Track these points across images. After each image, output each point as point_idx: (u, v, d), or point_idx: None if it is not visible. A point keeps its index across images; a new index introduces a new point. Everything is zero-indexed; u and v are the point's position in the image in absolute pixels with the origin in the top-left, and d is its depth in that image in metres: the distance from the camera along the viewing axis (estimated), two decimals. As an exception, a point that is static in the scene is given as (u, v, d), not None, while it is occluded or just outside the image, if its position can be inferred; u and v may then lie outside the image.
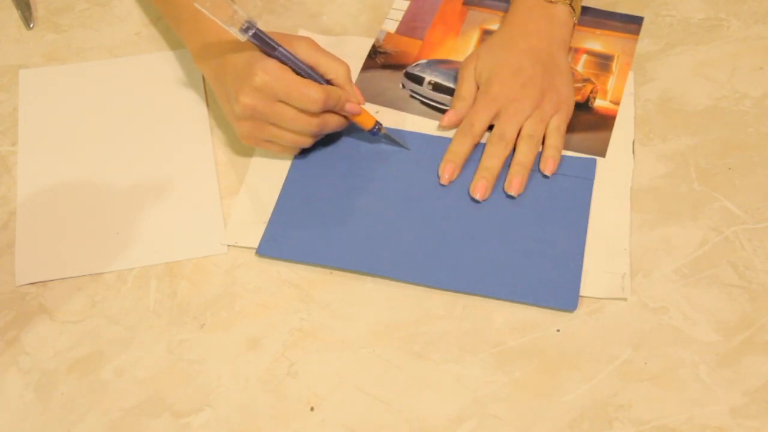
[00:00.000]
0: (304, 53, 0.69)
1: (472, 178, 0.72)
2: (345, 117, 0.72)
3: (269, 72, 0.66)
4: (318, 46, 0.71)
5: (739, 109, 0.77)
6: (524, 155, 0.72)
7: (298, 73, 0.68)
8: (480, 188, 0.71)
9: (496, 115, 0.74)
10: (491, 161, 0.72)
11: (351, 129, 0.75)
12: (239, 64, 0.68)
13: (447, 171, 0.72)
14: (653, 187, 0.72)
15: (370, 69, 0.81)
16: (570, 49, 0.81)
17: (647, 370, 0.63)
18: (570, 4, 0.78)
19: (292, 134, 0.70)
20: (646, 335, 0.64)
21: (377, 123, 0.73)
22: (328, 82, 0.70)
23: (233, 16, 0.65)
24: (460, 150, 0.73)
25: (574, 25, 0.80)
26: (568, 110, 0.75)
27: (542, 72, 0.75)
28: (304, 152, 0.75)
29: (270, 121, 0.69)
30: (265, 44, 0.67)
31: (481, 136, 0.74)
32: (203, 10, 0.64)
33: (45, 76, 0.82)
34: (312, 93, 0.67)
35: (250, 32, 0.66)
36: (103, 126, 0.78)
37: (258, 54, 0.68)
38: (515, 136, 0.73)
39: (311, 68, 0.69)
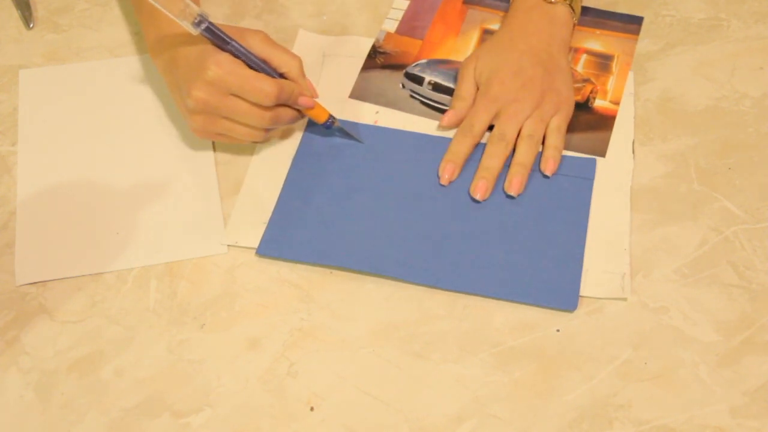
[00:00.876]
0: (257, 47, 0.69)
1: (472, 178, 0.72)
2: (298, 111, 0.72)
3: (222, 66, 0.66)
4: (271, 40, 0.71)
5: (739, 109, 0.77)
6: (524, 155, 0.72)
7: (251, 67, 0.68)
8: (480, 188, 0.71)
9: (496, 116, 0.74)
10: (491, 161, 0.72)
11: (351, 129, 0.75)
12: (191, 57, 0.68)
13: (447, 171, 0.72)
14: (653, 187, 0.72)
15: (370, 69, 0.81)
16: (570, 49, 0.81)
17: (647, 370, 0.63)
18: (570, 5, 0.78)
19: (245, 128, 0.70)
20: (646, 335, 0.64)
21: (330, 116, 0.74)
22: (282, 75, 0.71)
23: (185, 9, 0.65)
24: (460, 150, 0.73)
25: (574, 25, 0.80)
26: (568, 110, 0.75)
27: (542, 72, 0.75)
28: (304, 152, 0.75)
29: (222, 114, 0.69)
30: (218, 38, 0.67)
31: (481, 136, 0.74)
32: (155, 3, 0.64)
33: (45, 76, 0.82)
34: (265, 86, 0.67)
35: (203, 26, 0.66)
36: (103, 126, 0.78)
37: (211, 48, 0.68)
38: (515, 136, 0.73)
39: (264, 62, 0.69)
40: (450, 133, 0.76)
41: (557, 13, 0.78)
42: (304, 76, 0.72)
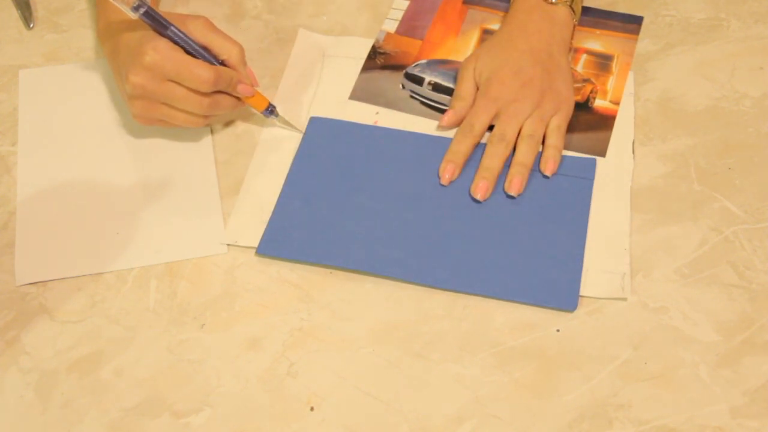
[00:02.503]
0: (197, 33, 0.70)
1: (473, 178, 0.72)
2: (237, 98, 0.73)
3: (159, 51, 0.67)
4: (213, 26, 0.71)
5: (739, 109, 0.77)
6: (524, 155, 0.72)
7: (190, 54, 0.69)
8: (481, 188, 0.71)
9: (496, 116, 0.74)
10: (492, 161, 0.72)
11: (351, 130, 0.75)
12: (132, 43, 0.69)
13: (447, 171, 0.72)
14: (653, 187, 0.72)
15: (370, 69, 0.81)
16: (570, 49, 0.81)
17: (647, 370, 0.63)
18: (570, 6, 0.78)
19: (184, 114, 0.71)
20: (646, 335, 0.64)
21: (270, 105, 0.75)
22: (222, 63, 0.71)
23: None
24: (460, 150, 0.73)
25: (575, 26, 0.80)
26: (568, 110, 0.75)
27: (542, 72, 0.75)
28: (304, 152, 0.75)
29: (161, 100, 0.69)
30: (157, 23, 0.68)
31: (482, 136, 0.74)
32: None
33: (45, 76, 0.82)
34: (202, 73, 0.68)
35: (141, 10, 0.67)
36: (103, 126, 0.78)
37: (150, 33, 0.68)
38: (515, 136, 0.73)
39: (204, 48, 0.70)
40: (450, 134, 0.76)
41: (557, 13, 0.78)
42: (244, 63, 0.72)
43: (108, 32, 0.73)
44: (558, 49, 0.77)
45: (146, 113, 0.71)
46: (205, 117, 0.72)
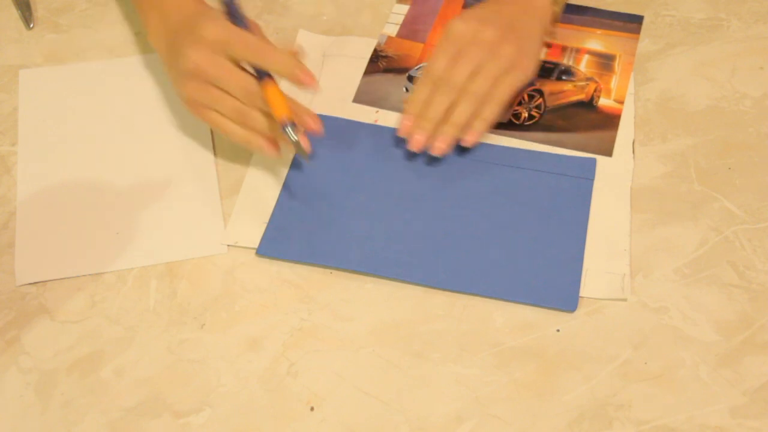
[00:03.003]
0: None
1: (472, 176, 0.72)
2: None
3: (221, 25, 0.67)
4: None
5: (739, 109, 0.77)
6: (459, 115, 0.71)
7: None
8: (416, 142, 0.71)
9: (453, 59, 0.72)
10: (432, 109, 0.71)
11: (351, 130, 0.75)
12: (191, 23, 0.68)
13: (407, 122, 0.72)
14: (653, 187, 0.72)
15: (372, 73, 0.81)
16: (571, 49, 0.81)
17: (647, 370, 0.63)
18: None
19: (234, 102, 0.67)
20: (646, 335, 0.64)
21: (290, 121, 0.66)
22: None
23: None
24: (420, 100, 0.72)
25: (555, 14, 0.78)
26: (522, 74, 0.72)
27: (507, 27, 0.72)
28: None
29: (213, 81, 0.66)
30: (236, 18, 0.68)
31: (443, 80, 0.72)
32: None
33: (45, 76, 0.83)
34: (279, 54, 0.66)
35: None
36: (103, 126, 0.78)
37: (215, 12, 0.69)
38: (462, 82, 0.71)
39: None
40: None
41: (536, 1, 0.77)
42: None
43: (163, 28, 0.72)
44: (530, 21, 0.75)
45: (197, 94, 0.68)
46: (252, 120, 0.68)
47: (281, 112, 0.65)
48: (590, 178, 0.73)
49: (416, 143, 0.72)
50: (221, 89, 0.67)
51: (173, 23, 0.71)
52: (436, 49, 0.73)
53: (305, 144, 0.67)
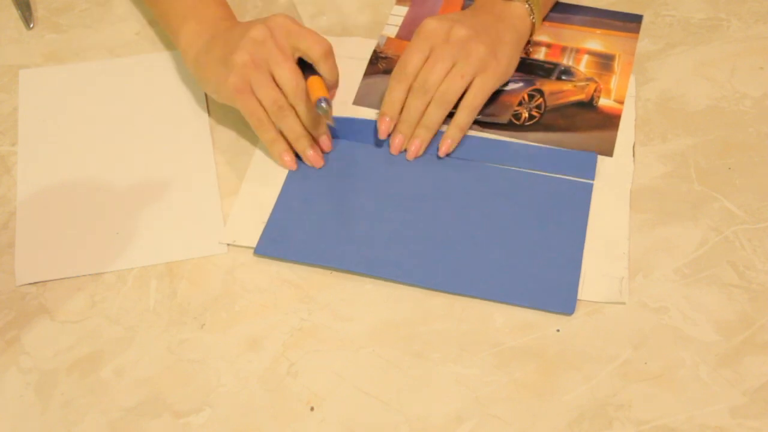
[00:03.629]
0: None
1: (470, 173, 0.72)
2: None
3: (282, 18, 0.71)
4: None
5: (739, 109, 0.77)
6: (430, 118, 0.72)
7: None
8: (396, 145, 0.73)
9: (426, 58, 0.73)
10: (409, 114, 0.73)
11: (351, 130, 0.75)
12: (235, 32, 0.72)
13: (383, 124, 0.73)
14: (653, 187, 0.72)
15: (372, 75, 0.81)
16: (571, 49, 0.81)
17: (647, 370, 0.63)
18: (528, 3, 0.77)
19: (275, 91, 0.70)
20: (646, 335, 0.64)
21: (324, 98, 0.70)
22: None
23: None
24: (395, 99, 0.73)
25: (533, 24, 0.79)
26: (494, 75, 0.73)
27: (482, 30, 0.73)
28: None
29: (265, 56, 0.70)
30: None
31: (415, 77, 0.73)
32: None
33: (45, 76, 0.83)
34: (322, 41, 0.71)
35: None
36: (103, 126, 0.78)
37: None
38: (437, 85, 0.72)
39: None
40: None
41: (513, 9, 0.77)
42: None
43: (203, 27, 0.75)
44: (504, 27, 0.76)
45: (250, 73, 0.69)
46: (289, 115, 0.71)
47: (318, 93, 0.69)
48: (590, 176, 0.72)
49: (395, 147, 0.74)
50: (272, 76, 0.70)
51: (214, 26, 0.74)
52: (409, 46, 0.74)
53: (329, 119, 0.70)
